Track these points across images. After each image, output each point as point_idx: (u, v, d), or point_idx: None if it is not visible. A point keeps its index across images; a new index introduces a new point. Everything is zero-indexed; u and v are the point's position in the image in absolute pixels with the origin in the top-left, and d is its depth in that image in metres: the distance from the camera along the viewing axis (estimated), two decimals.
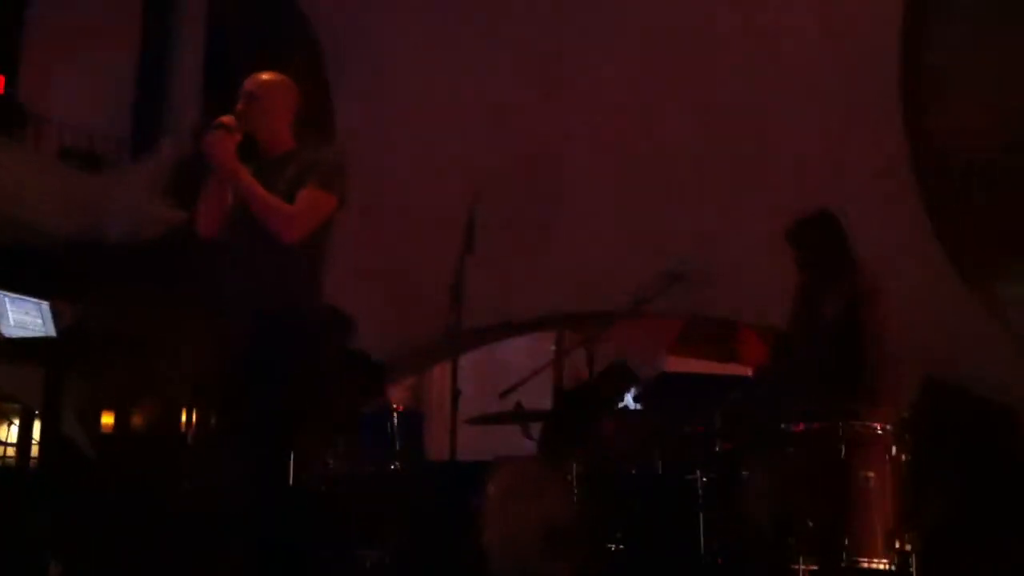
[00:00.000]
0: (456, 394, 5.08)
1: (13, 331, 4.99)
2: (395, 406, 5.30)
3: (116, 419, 6.15)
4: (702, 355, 9.42)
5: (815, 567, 4.13)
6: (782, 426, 4.39)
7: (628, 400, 6.88)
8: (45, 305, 5.24)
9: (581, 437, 5.85)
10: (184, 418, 6.21)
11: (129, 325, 6.15)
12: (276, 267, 3.74)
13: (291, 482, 4.03)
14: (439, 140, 7.85)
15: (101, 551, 4.97)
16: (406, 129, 7.99)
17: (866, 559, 4.09)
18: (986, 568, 5.31)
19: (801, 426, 4.33)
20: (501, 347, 8.48)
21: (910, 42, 6.47)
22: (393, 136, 7.98)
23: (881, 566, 4.09)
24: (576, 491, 5.09)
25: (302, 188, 3.75)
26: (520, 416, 5.91)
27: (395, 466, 5.05)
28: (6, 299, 5.08)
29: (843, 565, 4.10)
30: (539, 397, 6.95)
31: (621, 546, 5.05)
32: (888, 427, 4.26)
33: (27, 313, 5.14)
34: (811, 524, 4.15)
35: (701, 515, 4.94)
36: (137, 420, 6.39)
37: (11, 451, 5.38)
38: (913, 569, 4.14)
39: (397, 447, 5.09)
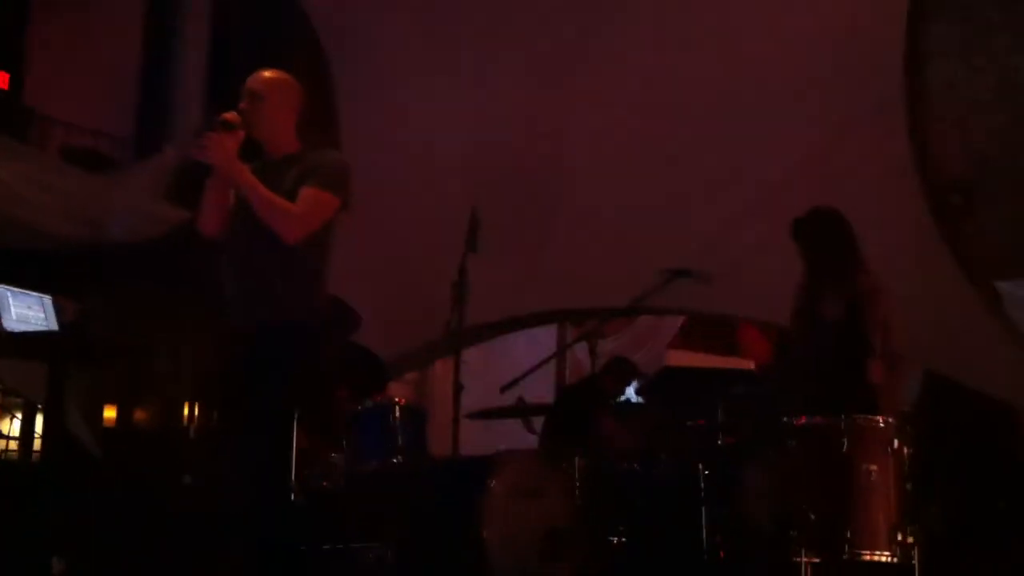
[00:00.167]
0: (458, 389, 5.09)
1: (15, 325, 4.99)
2: (398, 401, 5.29)
3: (118, 414, 6.18)
4: (704, 349, 9.43)
5: (817, 560, 4.13)
6: (784, 420, 4.38)
7: (630, 394, 6.90)
8: (47, 299, 5.24)
9: (583, 432, 5.86)
10: (186, 414, 6.24)
11: (131, 324, 6.18)
12: (278, 267, 3.74)
13: (293, 478, 4.05)
14: (442, 138, 7.84)
15: (103, 545, 4.98)
16: (409, 127, 7.98)
17: (868, 552, 4.11)
18: (987, 563, 5.32)
19: (803, 419, 4.33)
20: (503, 342, 8.48)
21: (914, 42, 6.48)
22: (396, 134, 7.97)
23: (883, 559, 4.10)
24: (578, 485, 5.09)
25: (305, 188, 3.75)
26: (522, 411, 5.92)
27: (397, 461, 5.03)
28: (8, 294, 5.09)
29: (845, 558, 4.11)
30: (541, 392, 6.98)
31: (623, 541, 5.06)
32: (891, 421, 4.27)
33: (29, 307, 5.15)
34: (813, 517, 4.15)
35: (703, 509, 4.95)
36: (139, 415, 6.41)
37: (14, 445, 5.39)
38: (915, 562, 4.14)
39: (400, 442, 5.07)
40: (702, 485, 5.01)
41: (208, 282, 4.01)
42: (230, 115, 3.80)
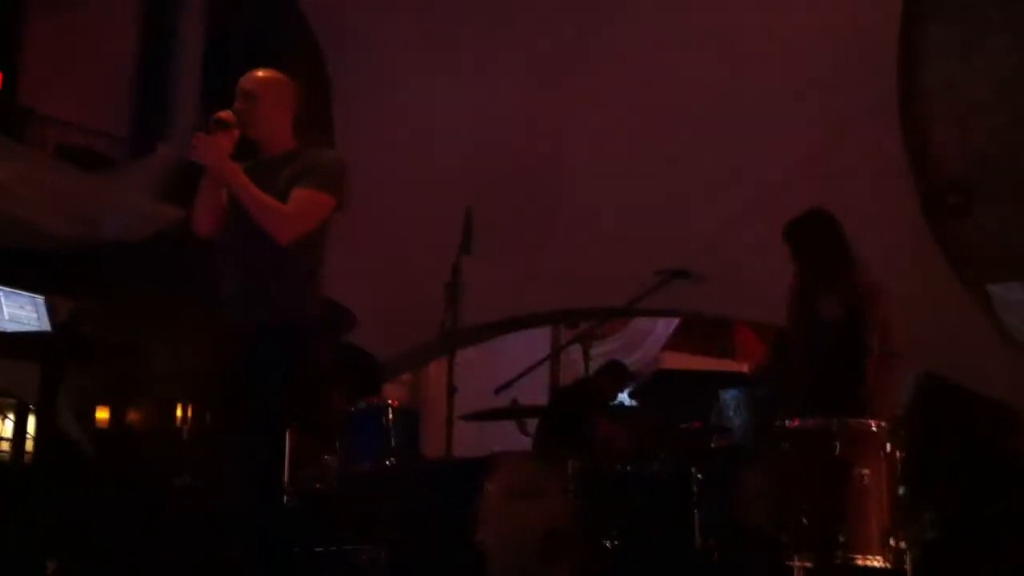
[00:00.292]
0: (452, 391, 5.08)
1: (8, 325, 4.98)
2: (391, 402, 5.29)
3: (111, 415, 6.17)
4: (698, 351, 9.42)
5: (810, 564, 4.12)
6: (777, 423, 4.37)
7: (624, 396, 6.90)
8: (40, 300, 5.23)
9: (577, 433, 5.86)
10: (180, 415, 6.23)
11: (125, 323, 6.16)
12: (272, 266, 3.73)
13: (286, 480, 4.04)
14: (440, 138, 7.84)
15: (97, 546, 4.97)
16: (407, 127, 7.98)
17: (861, 556, 4.09)
18: (982, 567, 5.30)
19: (796, 423, 4.32)
20: (498, 344, 8.48)
21: (912, 42, 6.46)
22: (394, 134, 7.97)
23: (876, 563, 4.08)
24: (572, 488, 5.09)
25: (298, 188, 3.74)
26: (516, 412, 5.92)
27: (391, 462, 5.03)
28: (1, 293, 5.07)
29: (838, 562, 4.09)
30: (535, 394, 6.98)
31: (617, 543, 5.05)
32: (883, 424, 4.26)
33: (22, 307, 5.13)
34: (806, 521, 4.14)
35: (697, 511, 4.94)
36: (133, 416, 6.40)
37: (6, 446, 5.38)
38: (908, 567, 4.14)
39: (393, 444, 5.07)
40: (695, 488, 5.01)
41: (203, 282, 4.00)
42: (224, 114, 3.79)
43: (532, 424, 6.36)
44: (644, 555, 5.07)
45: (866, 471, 4.15)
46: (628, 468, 5.40)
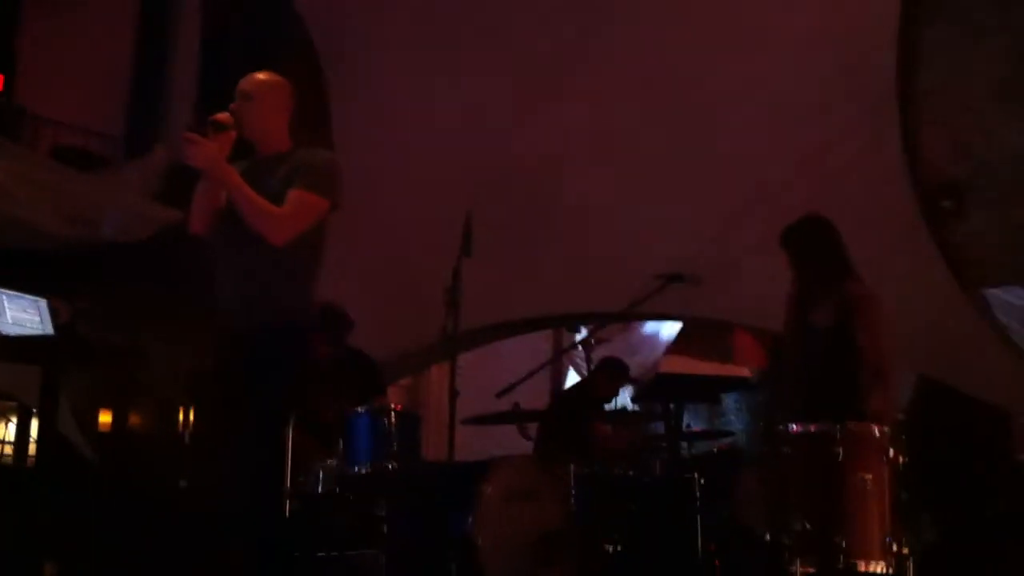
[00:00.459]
0: (454, 394, 5.08)
1: (11, 329, 4.97)
2: (392, 406, 5.29)
3: (113, 418, 6.16)
4: (698, 355, 9.42)
5: (812, 569, 4.13)
6: (779, 428, 4.38)
7: (626, 400, 6.91)
8: (43, 303, 5.22)
9: (578, 437, 5.86)
10: (181, 418, 6.22)
11: (125, 324, 6.16)
12: (269, 267, 3.73)
13: (288, 484, 4.04)
14: (438, 140, 7.83)
15: (97, 549, 4.97)
16: (405, 129, 7.97)
17: (863, 561, 4.08)
18: (981, 569, 5.33)
19: (798, 428, 4.32)
20: (499, 347, 8.48)
21: (909, 45, 6.48)
22: (392, 136, 7.96)
23: (878, 569, 4.08)
24: (573, 492, 5.09)
25: (292, 190, 3.74)
26: (516, 416, 5.92)
27: (392, 466, 5.03)
28: (3, 296, 5.06)
29: (840, 567, 4.09)
30: (537, 398, 6.97)
31: (618, 547, 5.06)
32: (885, 429, 4.27)
33: (25, 311, 5.12)
34: (808, 526, 4.14)
35: (698, 516, 4.95)
36: (134, 420, 6.40)
37: (8, 449, 5.37)
38: (910, 572, 4.15)
39: (394, 447, 5.07)
40: (697, 492, 5.01)
41: (201, 282, 4.00)
42: (221, 116, 3.80)
43: (533, 428, 6.37)
44: (645, 560, 5.08)
45: (868, 476, 4.15)
46: (629, 472, 5.41)
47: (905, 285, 5.84)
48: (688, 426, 5.46)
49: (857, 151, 6.50)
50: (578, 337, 7.31)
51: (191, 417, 6.05)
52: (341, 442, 5.08)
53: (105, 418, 6.21)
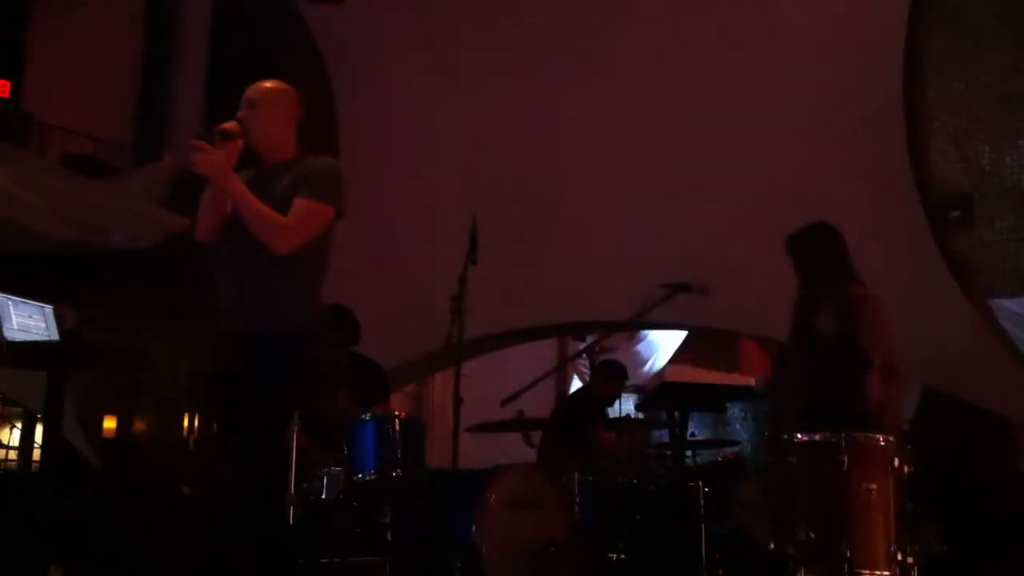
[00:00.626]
0: (458, 402, 5.07)
1: (16, 335, 4.97)
2: (397, 413, 5.28)
3: (118, 424, 6.17)
4: (703, 364, 9.41)
5: None
6: (783, 436, 4.37)
7: (630, 409, 6.90)
8: (48, 309, 5.22)
9: (581, 445, 5.85)
10: (185, 423, 6.22)
11: (128, 327, 6.17)
12: (274, 273, 3.73)
13: (292, 490, 4.04)
14: (444, 149, 7.85)
15: (101, 554, 4.97)
16: (411, 139, 8.00)
17: (867, 571, 4.07)
18: None
19: (803, 437, 4.32)
20: (504, 355, 8.48)
21: (914, 55, 6.49)
22: (398, 145, 7.98)
23: None
24: (577, 500, 5.08)
25: (297, 199, 3.74)
26: (520, 424, 5.91)
27: (396, 473, 5.02)
28: (9, 303, 5.06)
29: None
30: (542, 406, 6.96)
31: (622, 556, 5.05)
32: (891, 439, 4.26)
33: (30, 317, 5.12)
34: (813, 535, 4.13)
35: (702, 525, 4.94)
36: (138, 426, 6.40)
37: (13, 455, 5.38)
38: None
39: (399, 454, 5.06)
40: (701, 501, 5.00)
41: (205, 287, 4.00)
42: (229, 125, 3.80)
43: (537, 436, 6.36)
44: (649, 568, 5.07)
45: (873, 485, 4.13)
46: (633, 480, 5.40)
47: (911, 295, 5.83)
48: (692, 435, 5.44)
49: (862, 161, 6.50)
50: (582, 345, 7.30)
51: (195, 423, 6.05)
52: (345, 449, 5.07)
53: (110, 424, 6.22)
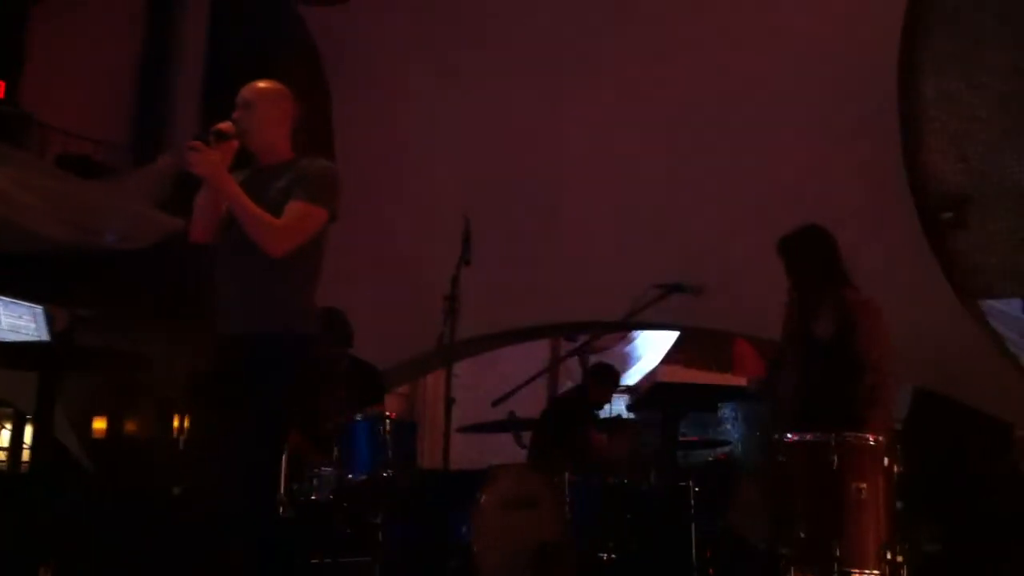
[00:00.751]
0: (450, 402, 5.07)
1: (7, 335, 4.98)
2: (388, 413, 5.28)
3: (108, 425, 6.17)
4: (696, 365, 9.40)
5: None
6: (775, 436, 4.37)
7: (621, 409, 6.89)
8: (39, 309, 5.23)
9: (572, 445, 5.85)
10: (176, 424, 6.22)
11: (122, 327, 6.17)
12: (269, 274, 3.73)
13: (282, 491, 4.03)
14: (439, 150, 7.85)
15: (92, 555, 4.96)
16: (409, 139, 8.00)
17: (858, 570, 4.08)
18: None
19: (794, 437, 4.31)
20: (495, 356, 8.47)
21: (911, 56, 6.48)
22: (397, 145, 7.98)
23: None
24: (569, 500, 5.08)
25: (291, 201, 3.74)
26: (511, 425, 5.91)
27: (387, 474, 5.02)
28: (0, 303, 5.07)
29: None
30: (533, 407, 6.96)
31: (614, 555, 5.05)
32: (881, 439, 4.26)
33: (21, 317, 5.13)
34: (804, 535, 4.13)
35: (693, 525, 4.94)
36: (129, 426, 6.40)
37: (3, 455, 5.37)
38: None
39: (390, 455, 5.06)
40: (692, 501, 5.00)
41: (200, 288, 4.00)
42: (224, 125, 3.79)
43: (528, 437, 6.36)
44: (640, 568, 5.07)
45: (864, 485, 4.14)
46: (625, 481, 5.40)
47: (910, 295, 5.82)
48: (683, 435, 5.44)
49: (858, 162, 6.49)
50: (573, 346, 7.29)
51: (186, 423, 6.06)
52: (336, 449, 5.07)
53: (99, 424, 6.21)
